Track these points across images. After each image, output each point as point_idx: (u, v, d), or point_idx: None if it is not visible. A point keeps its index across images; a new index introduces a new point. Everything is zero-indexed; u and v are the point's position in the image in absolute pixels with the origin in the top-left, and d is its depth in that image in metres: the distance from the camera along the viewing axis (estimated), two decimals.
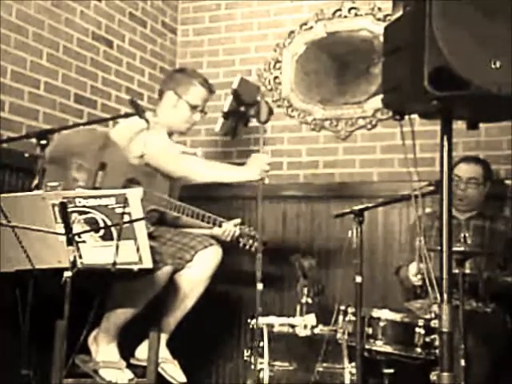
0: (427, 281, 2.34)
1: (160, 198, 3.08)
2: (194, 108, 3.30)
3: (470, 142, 3.76)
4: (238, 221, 3.32)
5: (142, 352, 3.14)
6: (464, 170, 3.41)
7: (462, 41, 1.68)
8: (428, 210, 3.55)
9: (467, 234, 2.90)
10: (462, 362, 2.68)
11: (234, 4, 4.46)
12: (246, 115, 2.89)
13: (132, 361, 3.14)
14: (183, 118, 3.33)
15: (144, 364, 3.07)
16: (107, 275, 2.37)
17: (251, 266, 4.16)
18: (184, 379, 3.18)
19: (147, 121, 2.82)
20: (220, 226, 3.22)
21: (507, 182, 3.71)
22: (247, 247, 3.31)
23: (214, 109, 3.44)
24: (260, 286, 2.69)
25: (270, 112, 2.95)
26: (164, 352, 3.17)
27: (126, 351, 3.12)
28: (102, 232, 2.28)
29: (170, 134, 3.35)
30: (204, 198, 3.63)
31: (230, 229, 3.26)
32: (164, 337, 3.19)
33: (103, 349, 3.00)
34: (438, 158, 1.88)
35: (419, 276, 3.07)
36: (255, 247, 3.24)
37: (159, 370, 3.13)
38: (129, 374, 3.00)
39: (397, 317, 2.94)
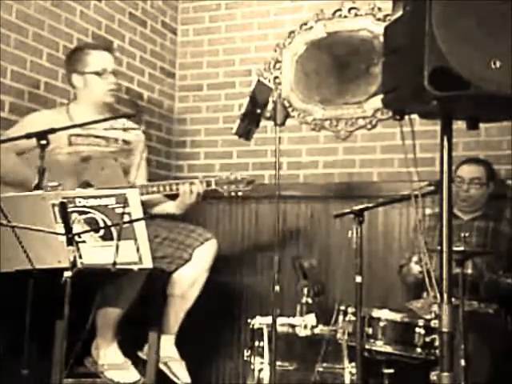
0: (427, 279, 2.35)
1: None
2: (103, 74, 3.21)
3: (470, 142, 3.76)
4: (196, 181, 3.17)
5: None
6: (466, 171, 3.42)
7: (461, 41, 1.68)
8: (429, 210, 3.55)
9: (468, 234, 2.90)
10: (462, 362, 2.69)
11: (234, 4, 4.46)
12: (260, 116, 2.89)
13: (140, 354, 3.14)
14: (100, 89, 3.22)
15: None
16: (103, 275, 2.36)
17: (251, 266, 4.19)
18: (188, 380, 3.17)
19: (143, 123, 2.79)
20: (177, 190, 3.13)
21: (510, 182, 3.71)
22: (233, 194, 3.16)
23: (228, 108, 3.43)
24: (277, 288, 2.67)
25: (287, 115, 2.95)
26: (171, 351, 3.17)
27: (132, 350, 3.13)
28: (101, 232, 2.28)
29: (102, 112, 3.23)
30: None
31: (186, 189, 3.11)
32: (171, 335, 3.19)
33: (104, 352, 3.00)
34: (438, 158, 1.87)
35: (421, 268, 3.08)
36: (241, 190, 3.15)
37: (164, 368, 3.13)
38: (135, 375, 2.99)
39: (397, 317, 2.95)
